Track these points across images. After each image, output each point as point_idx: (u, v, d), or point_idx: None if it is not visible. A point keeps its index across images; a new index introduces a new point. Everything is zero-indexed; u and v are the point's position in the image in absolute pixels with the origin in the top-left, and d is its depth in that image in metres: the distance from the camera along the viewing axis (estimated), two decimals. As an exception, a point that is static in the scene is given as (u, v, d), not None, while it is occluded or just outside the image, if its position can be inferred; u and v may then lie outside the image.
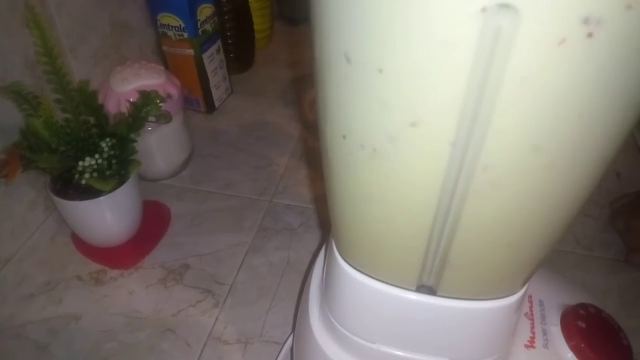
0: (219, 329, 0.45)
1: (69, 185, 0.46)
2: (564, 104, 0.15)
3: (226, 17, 0.73)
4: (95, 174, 0.44)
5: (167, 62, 0.69)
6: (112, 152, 0.45)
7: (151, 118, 0.49)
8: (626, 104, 0.16)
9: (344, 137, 0.20)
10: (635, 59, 0.14)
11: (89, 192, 0.45)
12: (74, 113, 0.45)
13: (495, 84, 0.15)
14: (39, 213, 0.54)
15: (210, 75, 0.69)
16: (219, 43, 0.70)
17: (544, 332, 0.30)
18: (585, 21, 0.13)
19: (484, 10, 0.14)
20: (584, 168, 0.18)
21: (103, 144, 0.45)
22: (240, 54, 0.80)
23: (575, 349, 0.29)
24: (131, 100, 0.50)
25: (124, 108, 0.49)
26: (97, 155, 0.44)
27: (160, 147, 0.58)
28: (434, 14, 0.14)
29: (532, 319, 0.31)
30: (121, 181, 0.46)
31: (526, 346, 0.29)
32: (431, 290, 0.25)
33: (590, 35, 0.13)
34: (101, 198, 0.45)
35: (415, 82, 0.16)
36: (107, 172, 0.45)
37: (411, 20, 0.15)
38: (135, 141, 0.47)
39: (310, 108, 0.71)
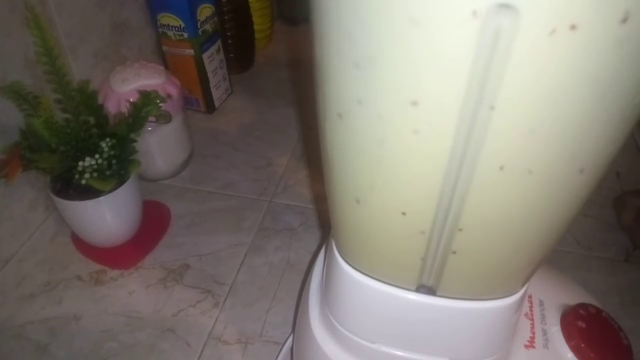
0: (219, 329, 0.45)
1: (69, 185, 0.46)
2: (565, 102, 0.15)
3: (226, 17, 0.73)
4: (95, 174, 0.44)
5: (167, 62, 0.69)
6: (112, 152, 0.45)
7: (151, 118, 0.49)
8: (627, 103, 0.16)
9: (345, 137, 0.20)
10: (636, 59, 0.14)
11: (89, 192, 0.45)
12: (74, 113, 0.45)
13: (495, 83, 0.15)
14: (39, 213, 0.54)
15: (210, 75, 0.69)
16: (219, 43, 0.70)
17: (544, 332, 0.30)
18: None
19: (476, 13, 0.14)
20: (584, 167, 0.18)
21: (103, 144, 0.45)
22: (240, 54, 0.80)
23: (575, 349, 0.29)
24: (131, 100, 0.50)
25: (124, 108, 0.49)
26: (97, 155, 0.44)
27: (160, 147, 0.58)
28: (433, 15, 0.14)
29: (532, 319, 0.31)
30: (121, 181, 0.46)
31: (526, 346, 0.29)
32: (431, 291, 0.25)
33: (573, 27, 0.13)
34: (101, 198, 0.45)
35: (415, 81, 0.16)
36: (107, 172, 0.45)
37: (412, 20, 0.15)
38: (135, 141, 0.47)
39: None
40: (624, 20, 0.13)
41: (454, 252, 0.22)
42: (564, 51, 0.14)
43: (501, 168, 0.18)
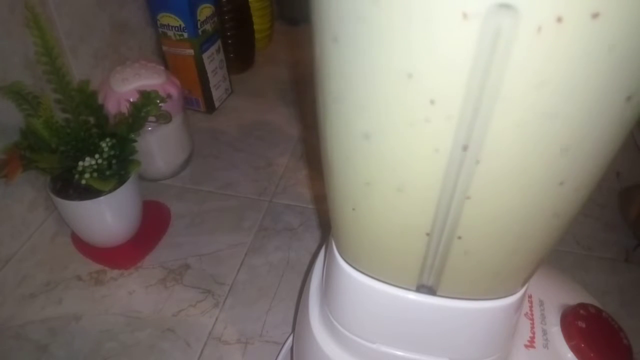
0: (219, 329, 0.45)
1: (69, 185, 0.46)
2: (566, 103, 0.15)
3: (226, 17, 0.73)
4: (95, 174, 0.44)
5: (167, 62, 0.69)
6: (112, 152, 0.45)
7: (151, 118, 0.49)
8: (627, 103, 0.16)
9: (345, 135, 0.20)
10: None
11: (89, 192, 0.45)
12: (74, 113, 0.45)
13: (495, 83, 0.15)
14: (39, 213, 0.54)
15: (210, 75, 0.69)
16: (219, 43, 0.70)
17: (544, 332, 0.30)
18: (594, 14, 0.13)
19: (467, 15, 0.14)
20: (583, 168, 0.18)
21: (103, 144, 0.45)
22: (240, 54, 0.80)
23: (575, 349, 0.29)
24: (131, 100, 0.50)
25: (124, 108, 0.49)
26: (97, 155, 0.44)
27: (160, 147, 0.58)
28: (434, 15, 0.14)
29: (532, 319, 0.31)
30: (121, 181, 0.46)
31: (526, 346, 0.29)
32: (431, 290, 0.25)
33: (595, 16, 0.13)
34: (101, 198, 0.45)
35: (415, 80, 0.16)
36: (107, 172, 0.45)
37: (412, 20, 0.15)
38: (135, 141, 0.47)
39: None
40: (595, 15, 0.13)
41: (454, 253, 0.22)
42: (559, 48, 0.14)
43: (502, 169, 0.18)
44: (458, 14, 0.14)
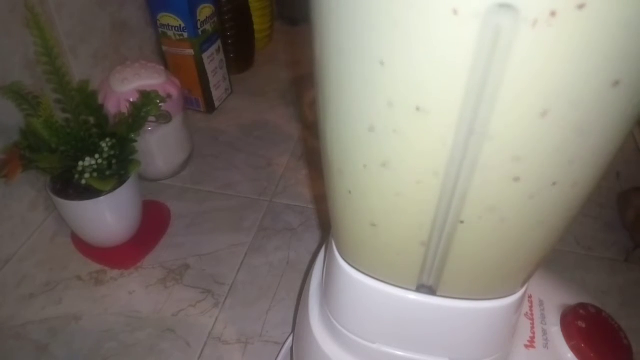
0: (219, 329, 0.45)
1: (69, 185, 0.46)
2: (566, 99, 0.15)
3: (226, 17, 0.73)
4: (95, 174, 0.44)
5: (167, 62, 0.69)
6: (112, 152, 0.45)
7: (151, 118, 0.49)
8: (627, 102, 0.16)
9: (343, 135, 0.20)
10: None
11: (89, 192, 0.45)
12: (74, 113, 0.45)
13: (494, 84, 0.15)
14: (39, 213, 0.54)
15: (210, 75, 0.69)
16: (219, 43, 0.70)
17: (544, 332, 0.30)
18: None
19: (457, 11, 0.14)
20: (582, 170, 0.18)
21: (103, 144, 0.45)
22: (240, 54, 0.80)
23: (575, 349, 0.29)
24: (131, 100, 0.50)
25: (124, 108, 0.49)
26: (97, 155, 0.44)
27: (160, 147, 0.58)
28: (434, 13, 0.14)
29: (532, 319, 0.31)
30: (121, 181, 0.46)
31: (526, 346, 0.29)
32: (431, 290, 0.25)
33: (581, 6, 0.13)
34: (101, 198, 0.45)
35: (415, 77, 0.16)
36: (107, 172, 0.45)
37: (411, 18, 0.15)
38: (135, 141, 0.47)
39: (310, 108, 0.71)
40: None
41: (454, 253, 0.22)
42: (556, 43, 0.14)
43: (501, 170, 0.18)
44: (450, 14, 0.14)
